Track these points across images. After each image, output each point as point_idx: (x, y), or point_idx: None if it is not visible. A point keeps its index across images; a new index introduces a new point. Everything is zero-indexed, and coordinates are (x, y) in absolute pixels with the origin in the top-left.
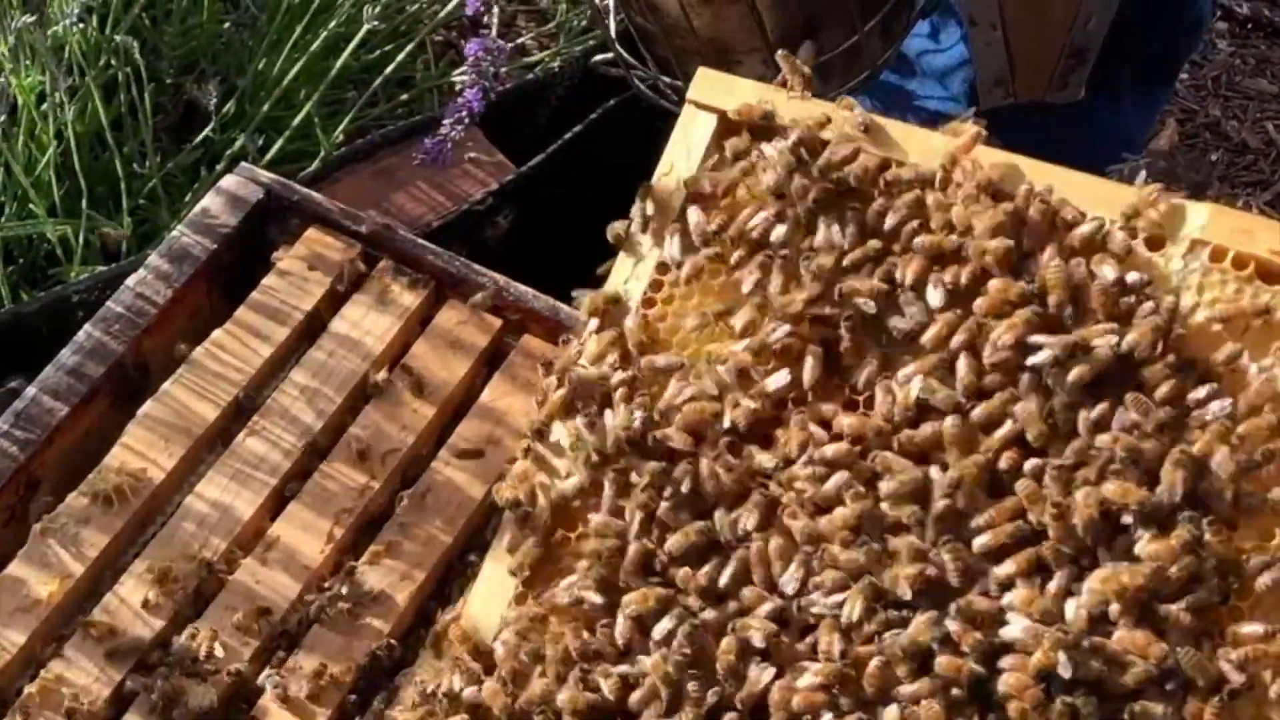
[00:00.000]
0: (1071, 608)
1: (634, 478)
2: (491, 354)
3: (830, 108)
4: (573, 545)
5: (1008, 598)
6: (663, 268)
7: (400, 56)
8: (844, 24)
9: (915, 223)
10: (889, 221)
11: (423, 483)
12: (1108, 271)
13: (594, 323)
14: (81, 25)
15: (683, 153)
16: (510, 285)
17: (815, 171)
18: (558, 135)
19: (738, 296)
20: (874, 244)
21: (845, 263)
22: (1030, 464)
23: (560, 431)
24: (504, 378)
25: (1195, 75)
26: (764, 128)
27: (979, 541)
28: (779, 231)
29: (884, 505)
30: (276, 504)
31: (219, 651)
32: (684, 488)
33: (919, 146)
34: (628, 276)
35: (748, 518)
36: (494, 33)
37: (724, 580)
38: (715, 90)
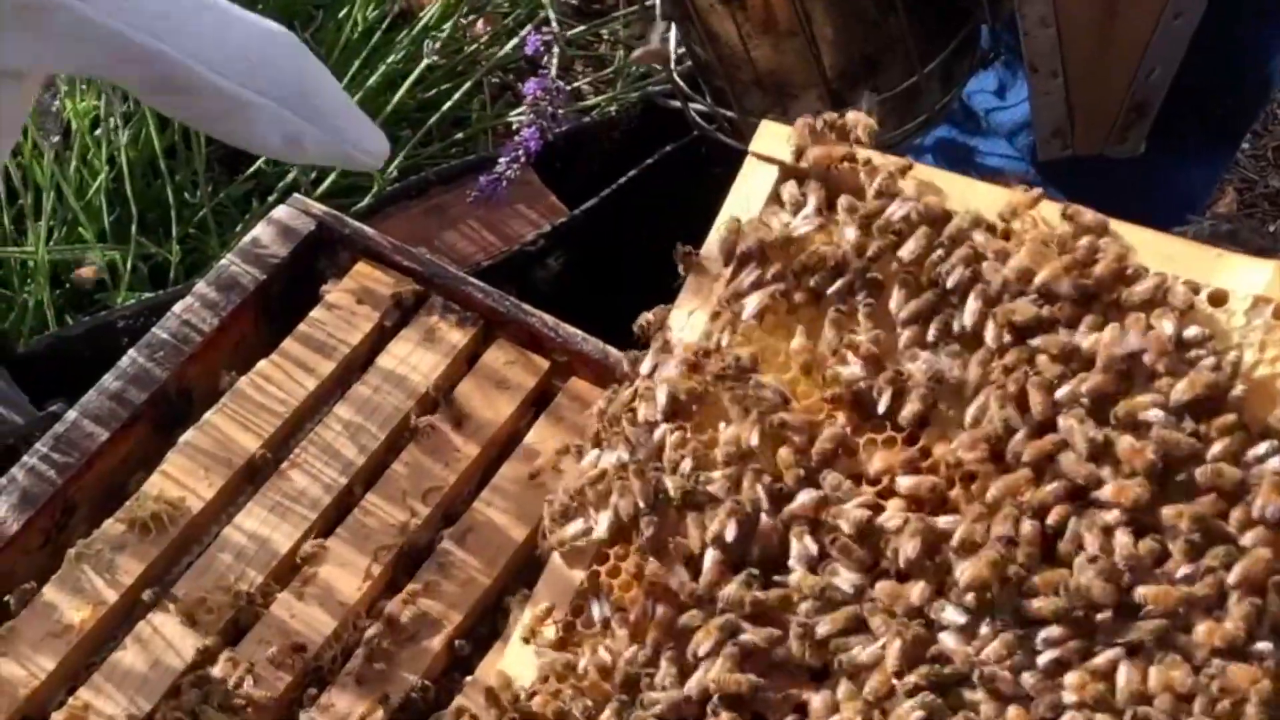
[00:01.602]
0: None
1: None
2: (538, 395)
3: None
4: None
5: None
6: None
7: (457, 95)
8: (903, 65)
9: (970, 271)
10: (949, 276)
11: (463, 522)
12: (1166, 326)
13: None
14: None
15: (742, 205)
16: (559, 326)
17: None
18: (611, 179)
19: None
20: (930, 295)
21: (903, 315)
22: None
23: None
24: (550, 419)
25: (1255, 145)
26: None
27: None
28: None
29: None
30: (315, 537)
31: (251, 686)
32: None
33: (976, 198)
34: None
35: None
36: (553, 73)
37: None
38: (778, 142)
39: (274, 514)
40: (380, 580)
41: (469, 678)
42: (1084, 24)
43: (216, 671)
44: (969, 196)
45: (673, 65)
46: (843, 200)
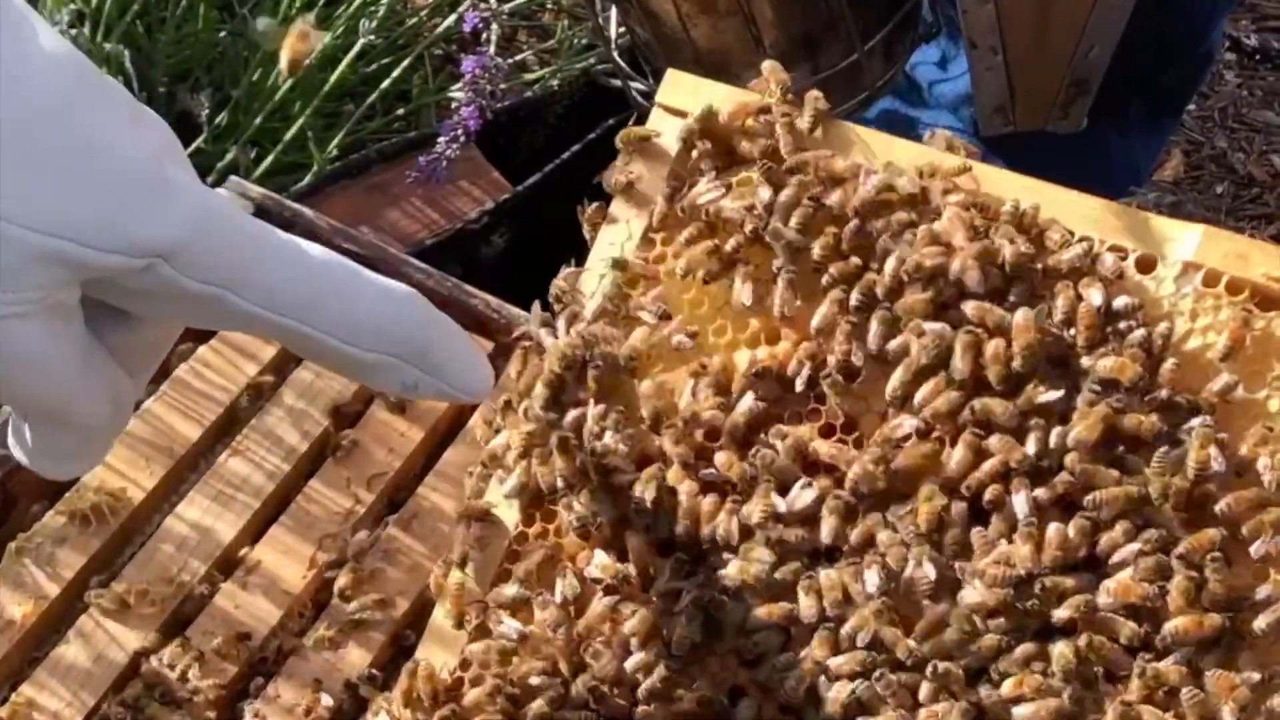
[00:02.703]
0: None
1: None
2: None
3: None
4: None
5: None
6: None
7: (397, 71)
8: (844, 42)
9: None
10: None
11: (408, 508)
12: (1095, 296)
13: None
14: (73, 32)
15: (651, 161)
16: (503, 308)
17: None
18: (556, 154)
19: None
20: (855, 261)
21: (825, 280)
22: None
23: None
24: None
25: (1202, 106)
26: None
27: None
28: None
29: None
30: (258, 527)
31: (196, 678)
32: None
33: (898, 156)
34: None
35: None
36: (492, 49)
37: None
38: (687, 94)
39: (216, 503)
40: (325, 568)
41: (411, 663)
42: (1022, 2)
43: (160, 664)
44: (891, 155)
45: (613, 45)
46: (757, 159)
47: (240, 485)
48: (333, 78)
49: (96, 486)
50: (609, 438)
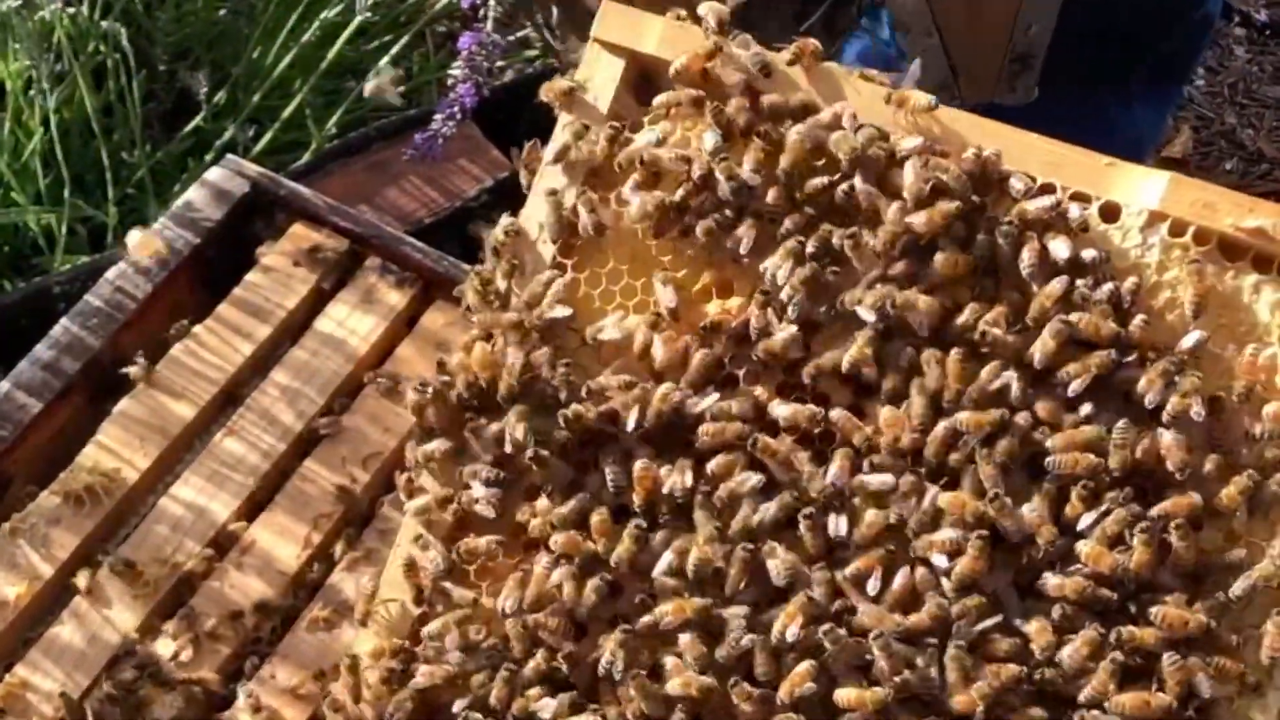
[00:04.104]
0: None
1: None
2: None
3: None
4: None
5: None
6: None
7: (397, 48)
8: (780, 22)
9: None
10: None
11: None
12: (1060, 248)
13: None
14: (70, 10)
15: (589, 100)
16: None
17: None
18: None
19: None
20: (809, 211)
21: (782, 229)
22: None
23: None
24: None
25: (1211, 82)
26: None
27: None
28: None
29: None
30: (253, 507)
31: (189, 658)
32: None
33: (854, 97)
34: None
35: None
36: (489, 26)
37: None
38: (624, 29)
39: (211, 483)
40: (320, 548)
41: None
42: None
43: (154, 645)
44: (848, 94)
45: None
46: (708, 105)
47: (235, 465)
48: (330, 54)
49: (91, 467)
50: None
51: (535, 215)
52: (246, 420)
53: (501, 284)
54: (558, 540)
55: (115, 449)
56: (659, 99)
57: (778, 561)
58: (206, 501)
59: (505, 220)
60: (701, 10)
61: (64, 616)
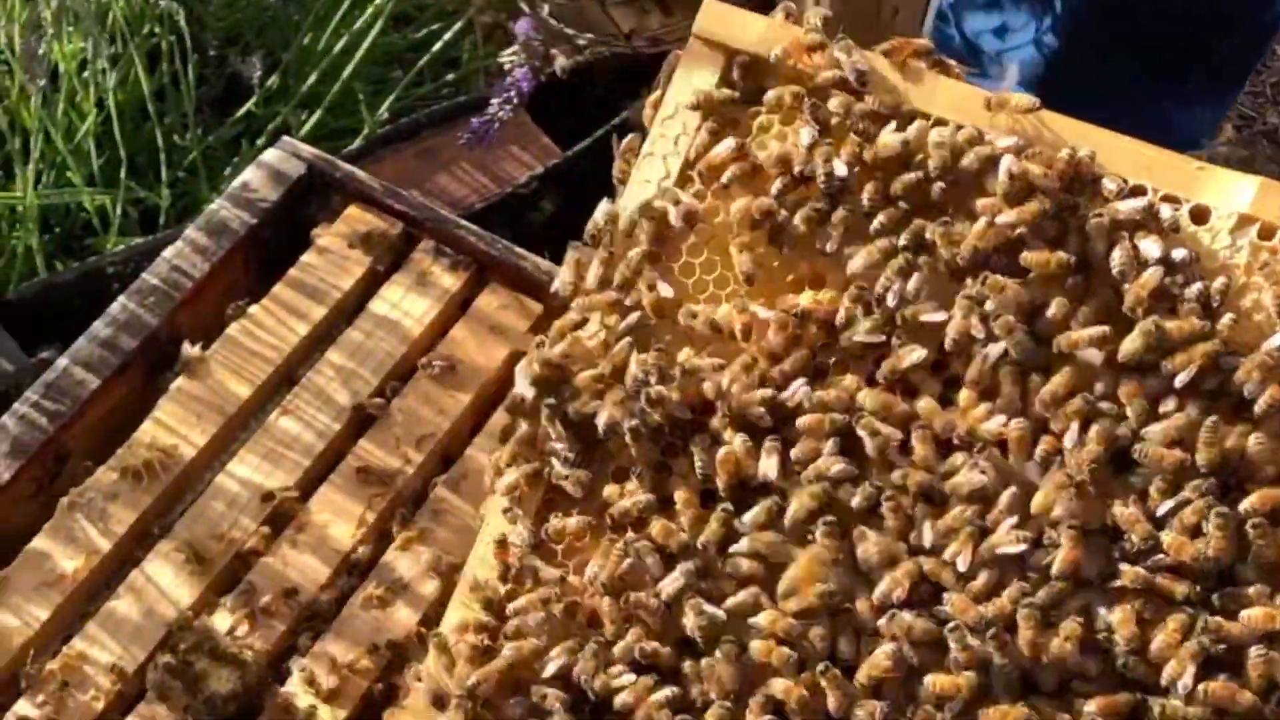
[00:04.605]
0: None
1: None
2: (531, 339)
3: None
4: None
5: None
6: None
7: (448, 35)
8: None
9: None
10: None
11: (458, 468)
12: (1152, 248)
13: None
14: None
15: (687, 93)
16: (554, 270)
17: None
18: (607, 120)
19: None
20: (902, 206)
21: (874, 225)
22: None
23: None
24: None
25: (1254, 81)
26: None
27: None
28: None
29: None
30: (309, 485)
31: (245, 633)
32: None
33: (947, 98)
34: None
35: None
36: (545, 11)
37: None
38: (724, 24)
39: (267, 461)
40: (374, 527)
41: None
42: None
43: (210, 619)
44: (940, 93)
45: None
46: (807, 101)
47: (291, 443)
48: (380, 41)
49: (148, 443)
50: (657, 386)
51: (632, 204)
52: (301, 400)
53: (597, 269)
54: (653, 527)
55: (172, 425)
56: (768, 95)
57: (869, 544)
58: (262, 479)
59: (603, 207)
60: (808, 15)
61: (121, 591)
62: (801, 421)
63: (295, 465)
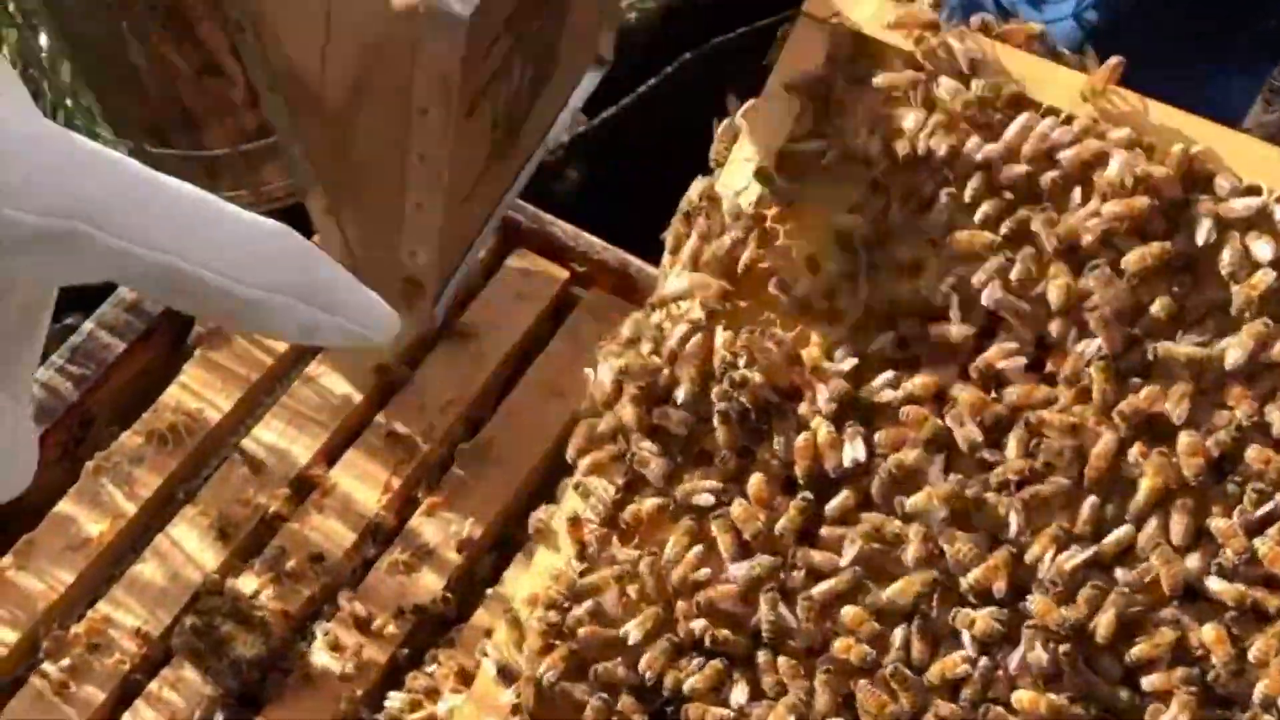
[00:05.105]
0: None
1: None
2: (557, 306)
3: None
4: None
5: None
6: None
7: None
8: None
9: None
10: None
11: (483, 435)
12: (1264, 249)
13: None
14: None
15: (790, 72)
16: (579, 235)
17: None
18: (633, 88)
19: None
20: (1007, 196)
21: (978, 216)
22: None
23: None
24: (569, 330)
25: None
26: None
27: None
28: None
29: None
30: (334, 450)
31: (270, 599)
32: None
33: (1060, 86)
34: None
35: None
36: None
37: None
38: (833, 3)
39: (292, 426)
40: (400, 493)
41: (489, 590)
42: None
43: (235, 584)
44: (1045, 80)
45: None
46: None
47: (316, 409)
48: None
49: (174, 407)
50: (743, 369)
51: (732, 183)
52: (326, 365)
53: (694, 246)
54: (734, 512)
55: (197, 390)
56: (878, 80)
57: (959, 544)
58: (288, 444)
59: (699, 184)
60: None
61: (146, 554)
62: (906, 414)
63: (320, 430)
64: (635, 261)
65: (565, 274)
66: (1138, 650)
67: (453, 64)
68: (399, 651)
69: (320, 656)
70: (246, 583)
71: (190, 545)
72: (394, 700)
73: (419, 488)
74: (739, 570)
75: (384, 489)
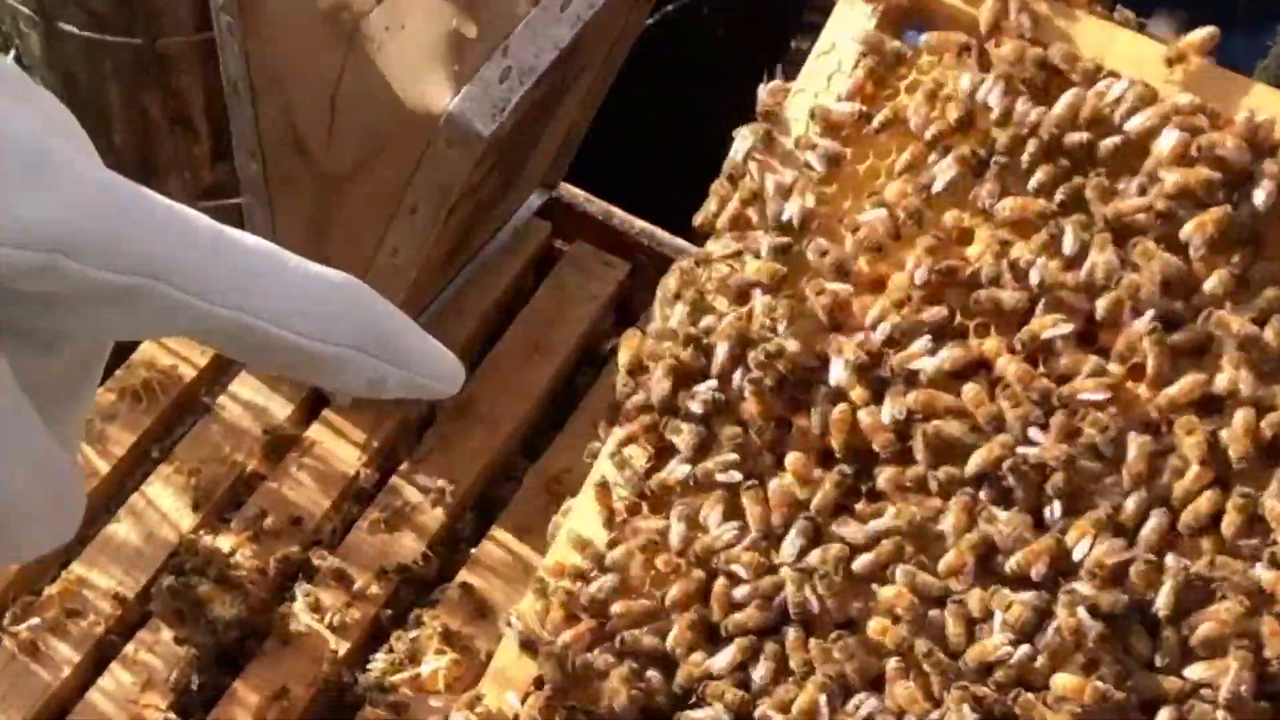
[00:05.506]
0: None
1: None
2: (540, 259)
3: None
4: None
5: None
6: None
7: None
8: None
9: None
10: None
11: (465, 391)
12: None
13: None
14: None
15: (847, 32)
16: (562, 188)
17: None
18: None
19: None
20: (1063, 163)
21: (1032, 182)
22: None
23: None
24: (552, 284)
25: None
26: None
27: None
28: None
29: None
30: (311, 408)
31: (247, 558)
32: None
33: (1123, 51)
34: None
35: None
36: None
37: None
38: None
39: (267, 383)
40: (380, 451)
41: (473, 550)
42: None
43: (212, 544)
44: (1107, 43)
45: None
46: (972, 48)
47: None
48: None
49: (147, 363)
50: (780, 336)
51: (784, 142)
52: None
53: (735, 208)
54: (772, 487)
55: (171, 346)
56: (925, 38)
57: (999, 524)
58: (264, 401)
59: (744, 141)
60: None
61: (120, 514)
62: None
63: (297, 386)
64: (619, 213)
65: (548, 226)
66: (1205, 629)
67: (459, 175)
68: (382, 612)
69: (301, 618)
70: (224, 542)
71: (165, 504)
72: (378, 662)
73: (399, 445)
74: (721, 660)
75: (363, 447)
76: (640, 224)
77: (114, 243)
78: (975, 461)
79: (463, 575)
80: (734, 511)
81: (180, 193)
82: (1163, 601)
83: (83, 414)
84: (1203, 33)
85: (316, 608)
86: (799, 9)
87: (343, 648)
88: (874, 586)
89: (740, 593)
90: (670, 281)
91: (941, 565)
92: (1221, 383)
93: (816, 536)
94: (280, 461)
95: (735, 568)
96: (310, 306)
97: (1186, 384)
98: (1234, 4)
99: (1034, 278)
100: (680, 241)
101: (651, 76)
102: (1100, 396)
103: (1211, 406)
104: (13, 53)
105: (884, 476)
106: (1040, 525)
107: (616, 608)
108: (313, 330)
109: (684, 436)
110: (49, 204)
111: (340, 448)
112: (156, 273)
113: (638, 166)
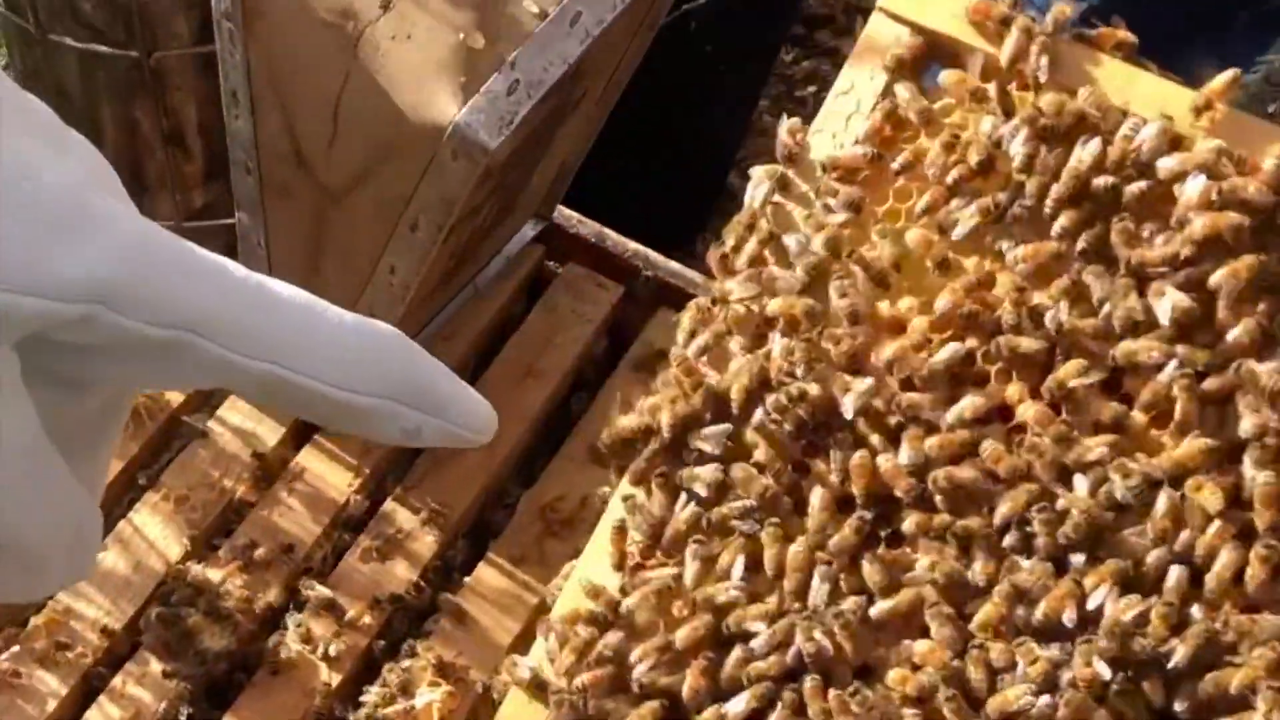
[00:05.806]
0: None
1: None
2: (532, 281)
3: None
4: None
5: None
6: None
7: None
8: None
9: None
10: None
11: None
12: None
13: None
14: None
15: (866, 72)
16: (557, 210)
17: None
18: None
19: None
20: (1089, 207)
21: (1056, 228)
22: None
23: None
24: (545, 307)
25: None
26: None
27: None
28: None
29: None
30: (302, 433)
31: (237, 588)
32: None
33: (1146, 95)
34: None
35: None
36: None
37: None
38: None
39: (256, 408)
40: (371, 477)
41: (467, 578)
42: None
43: (202, 574)
44: (1127, 86)
45: None
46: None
47: None
48: None
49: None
50: (801, 380)
51: (802, 187)
52: None
53: (751, 249)
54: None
55: None
56: (942, 78)
57: (1023, 573)
58: (254, 426)
59: (762, 184)
60: None
61: (108, 542)
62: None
63: (286, 413)
64: (612, 235)
65: (540, 248)
66: (1241, 676)
67: (463, 188)
68: (375, 643)
69: (292, 649)
70: (213, 572)
71: (153, 532)
72: (370, 695)
73: (390, 471)
74: (735, 707)
75: (354, 473)
76: (633, 245)
77: (153, 297)
78: (1002, 512)
79: (456, 604)
80: (754, 560)
81: (170, 212)
82: (1180, 656)
83: (107, 457)
84: (1225, 77)
85: (308, 638)
86: (787, 21)
87: (334, 679)
88: (904, 641)
89: (757, 643)
90: (685, 319)
91: (978, 619)
92: (1247, 428)
93: (838, 581)
94: (270, 488)
95: (748, 625)
96: (344, 356)
97: (1193, 448)
98: (1229, 26)
99: (1051, 323)
100: (674, 265)
101: (640, 94)
102: (1104, 453)
103: (1234, 456)
104: (2, 63)
105: (910, 521)
106: (1061, 573)
107: (635, 654)
108: (347, 381)
109: (701, 481)
110: (89, 257)
111: (331, 473)
112: (195, 327)
113: (627, 185)
